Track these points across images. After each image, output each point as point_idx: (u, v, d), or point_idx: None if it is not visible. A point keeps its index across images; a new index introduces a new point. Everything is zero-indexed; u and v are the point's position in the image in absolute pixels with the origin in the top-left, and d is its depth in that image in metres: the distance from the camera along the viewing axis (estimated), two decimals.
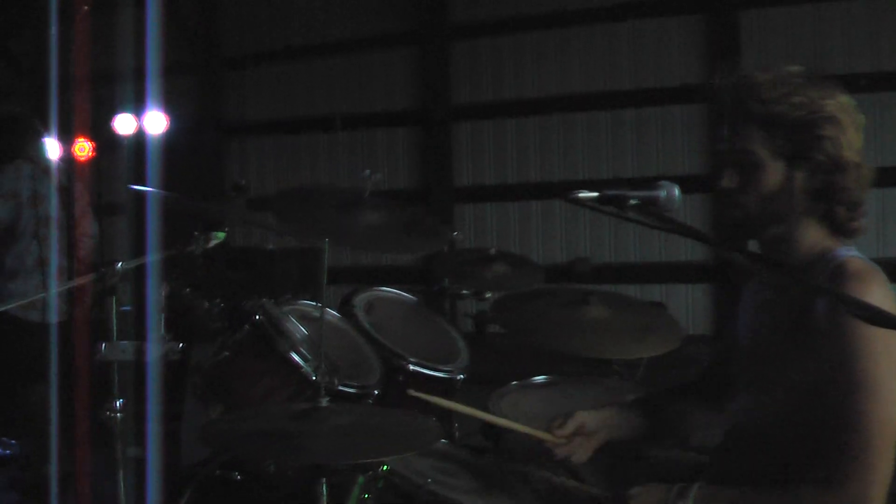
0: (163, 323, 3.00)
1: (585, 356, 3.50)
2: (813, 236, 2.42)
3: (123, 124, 8.02)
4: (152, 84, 8.29)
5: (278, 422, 2.34)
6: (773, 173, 2.37)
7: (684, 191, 6.15)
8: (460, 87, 8.31)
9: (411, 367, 3.36)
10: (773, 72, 2.41)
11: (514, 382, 3.62)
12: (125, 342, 2.94)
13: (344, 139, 8.45)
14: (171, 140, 8.14)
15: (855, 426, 2.20)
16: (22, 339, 5.33)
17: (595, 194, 2.23)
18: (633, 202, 2.21)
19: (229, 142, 8.81)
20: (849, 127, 2.37)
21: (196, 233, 2.96)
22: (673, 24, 7.71)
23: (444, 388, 3.49)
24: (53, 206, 5.33)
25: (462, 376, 3.51)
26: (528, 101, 8.09)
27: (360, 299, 3.60)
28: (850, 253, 2.36)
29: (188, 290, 3.06)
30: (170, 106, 8.33)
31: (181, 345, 2.96)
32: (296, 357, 2.85)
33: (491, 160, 8.11)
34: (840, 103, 2.37)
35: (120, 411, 2.95)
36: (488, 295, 3.83)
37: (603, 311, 3.52)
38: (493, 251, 3.85)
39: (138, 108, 8.21)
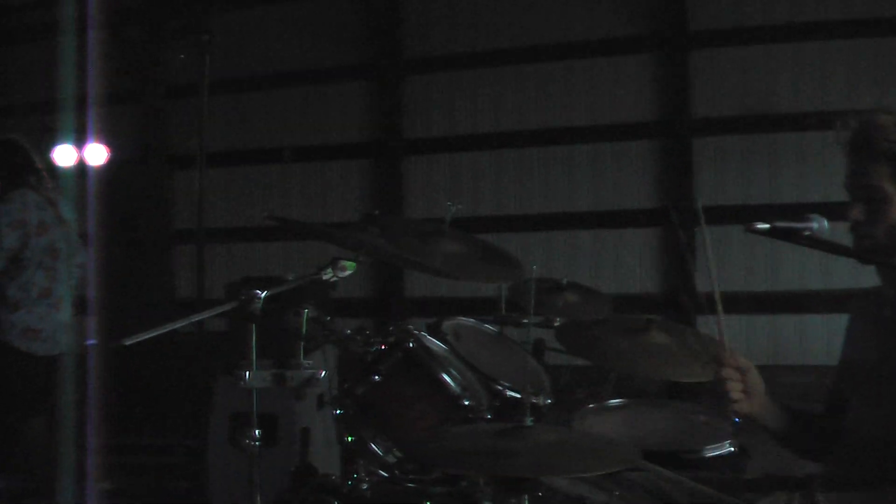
0: (302, 350, 3.03)
1: (649, 377, 3.62)
2: None
3: (63, 155, 7.82)
4: (93, 114, 8.14)
5: (485, 439, 2.41)
6: None
7: (638, 225, 6.42)
8: (414, 121, 8.40)
9: (508, 392, 3.44)
10: (893, 115, 2.65)
11: (592, 405, 3.75)
12: (266, 371, 2.95)
13: (297, 171, 8.44)
14: (113, 172, 8.02)
15: None
16: (24, 371, 5.21)
17: (768, 226, 2.46)
18: (806, 233, 2.44)
19: (175, 174, 8.70)
20: None
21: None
22: (627, 63, 7.95)
23: (535, 413, 3.57)
24: (59, 236, 5.24)
25: (549, 401, 3.61)
26: (483, 136, 8.23)
27: (447, 327, 3.67)
28: None
29: (328, 318, 3.09)
30: (112, 137, 8.20)
31: (323, 372, 2.98)
32: (450, 381, 2.91)
33: (444, 194, 8.20)
34: None
35: (258, 440, 2.95)
36: (557, 323, 3.96)
37: (664, 337, 3.65)
38: (564, 281, 3.98)
39: (79, 139, 8.03)
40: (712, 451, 3.34)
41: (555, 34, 8.07)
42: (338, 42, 8.49)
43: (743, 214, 7.55)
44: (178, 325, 3.07)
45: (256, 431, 2.95)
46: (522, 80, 8.17)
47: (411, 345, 2.94)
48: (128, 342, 3.02)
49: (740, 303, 7.57)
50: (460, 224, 3.69)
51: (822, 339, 7.25)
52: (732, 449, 3.42)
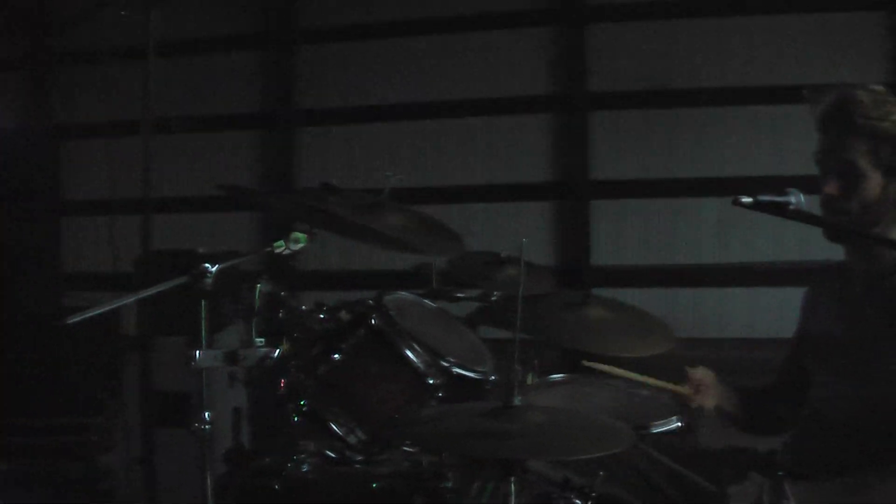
0: (255, 328, 2.88)
1: (591, 353, 3.60)
2: None
3: None
4: None
5: (472, 421, 2.34)
6: (873, 182, 2.62)
7: (534, 198, 6.43)
8: (307, 92, 8.21)
9: (455, 369, 3.36)
10: (871, 91, 2.67)
11: (534, 380, 3.71)
12: (216, 350, 2.81)
13: (185, 142, 8.17)
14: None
15: None
16: None
17: (752, 200, 2.46)
18: (791, 207, 2.45)
19: (60, 145, 8.33)
20: None
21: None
22: (522, 36, 7.89)
23: (479, 389, 3.51)
24: None
25: (494, 377, 3.55)
26: (378, 108, 8.08)
27: (389, 302, 3.56)
28: None
29: (283, 292, 2.94)
30: None
31: (277, 350, 2.85)
32: (415, 359, 2.82)
33: (338, 166, 8.04)
34: None
35: (209, 423, 2.81)
36: (494, 297, 3.88)
37: (601, 311, 3.63)
38: (504, 255, 3.91)
39: None
40: (659, 427, 3.32)
41: (452, 7, 7.95)
42: (229, 10, 8.23)
43: (639, 189, 7.67)
44: (123, 301, 2.90)
45: (206, 414, 2.81)
46: (418, 53, 8.05)
47: (374, 321, 2.82)
48: (70, 321, 2.85)
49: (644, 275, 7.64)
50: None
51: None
52: (679, 424, 3.41)
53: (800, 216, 2.60)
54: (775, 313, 7.54)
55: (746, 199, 2.51)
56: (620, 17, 7.75)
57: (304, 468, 3.25)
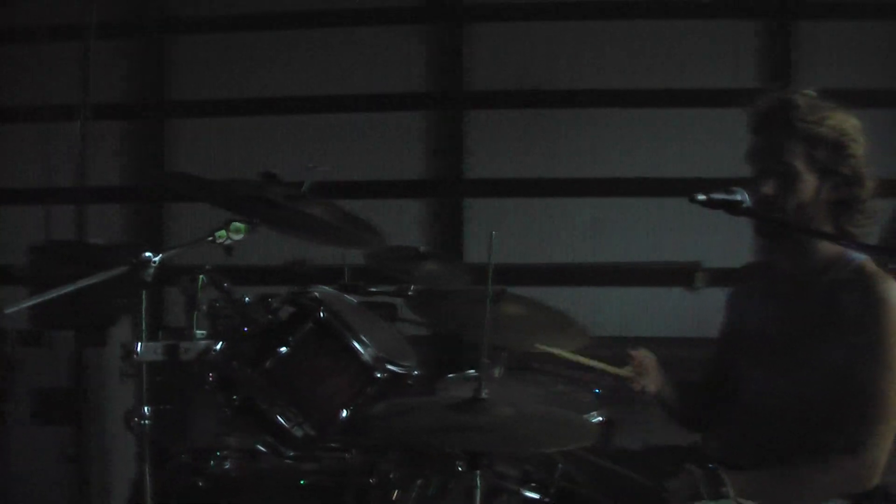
0: (196, 320, 2.78)
1: (507, 348, 3.63)
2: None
3: None
4: None
5: (441, 414, 2.32)
6: (808, 184, 2.72)
7: (410, 196, 6.45)
8: (179, 83, 8.01)
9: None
10: (806, 96, 2.77)
11: (452, 375, 3.70)
12: (157, 343, 2.71)
13: (53, 131, 7.86)
14: None
15: (875, 401, 2.57)
16: None
17: (705, 197, 2.53)
18: (744, 205, 2.53)
19: None
20: (862, 146, 2.77)
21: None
22: (401, 33, 7.88)
23: (402, 384, 3.48)
24: None
25: (417, 371, 3.53)
26: (254, 101, 7.94)
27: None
28: (862, 256, 2.76)
29: (226, 283, 2.85)
30: None
31: (220, 343, 2.76)
32: (363, 353, 2.78)
33: (214, 157, 7.88)
34: (857, 126, 2.78)
35: (149, 419, 2.71)
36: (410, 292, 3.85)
37: (515, 307, 3.66)
38: (422, 249, 3.88)
39: None
40: None
41: (331, 1, 7.88)
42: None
43: (514, 188, 7.73)
44: (57, 293, 2.77)
45: (146, 409, 2.70)
46: (295, 47, 7.94)
47: (323, 315, 2.76)
48: (7, 311, 2.71)
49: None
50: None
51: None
52: (600, 419, 3.45)
53: (751, 214, 2.66)
54: (648, 312, 7.73)
55: (701, 197, 2.55)
56: (499, 16, 7.80)
57: (227, 465, 3.17)
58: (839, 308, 2.70)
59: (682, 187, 7.53)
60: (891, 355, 2.60)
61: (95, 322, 4.32)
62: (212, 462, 3.15)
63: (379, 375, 2.81)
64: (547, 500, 2.57)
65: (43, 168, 5.17)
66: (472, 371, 3.76)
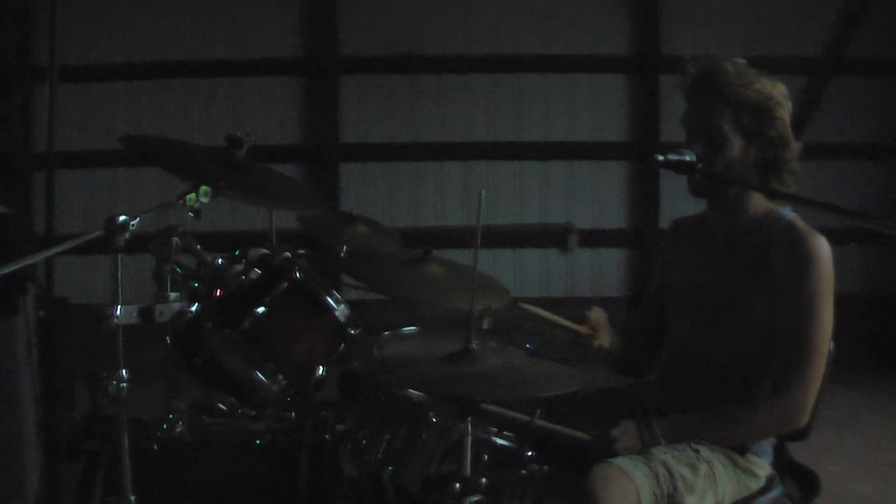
0: (169, 281, 2.79)
1: (434, 306, 3.73)
2: (758, 199, 3.00)
3: None
4: None
5: (434, 365, 2.43)
6: (735, 146, 2.93)
7: (285, 161, 6.50)
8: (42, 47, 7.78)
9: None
10: (734, 62, 2.98)
11: (387, 332, 3.78)
12: (131, 305, 2.72)
13: None
14: None
15: (802, 347, 2.80)
16: None
17: (662, 158, 2.70)
18: (700, 166, 2.72)
19: None
20: (788, 110, 2.99)
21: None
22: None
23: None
24: None
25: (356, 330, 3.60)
26: (120, 66, 7.79)
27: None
28: (791, 213, 2.98)
29: (199, 245, 2.86)
30: None
31: (195, 305, 2.79)
32: (337, 311, 2.86)
33: (100, 124, 7.69)
34: (783, 91, 3.01)
35: (126, 381, 2.72)
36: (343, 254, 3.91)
37: (439, 268, 3.78)
38: (354, 213, 3.94)
39: None
40: None
41: None
42: None
43: (385, 152, 7.84)
44: (36, 258, 2.75)
45: (123, 372, 2.71)
46: (164, 11, 7.81)
47: (298, 275, 2.83)
48: None
49: None
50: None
51: None
52: None
53: (706, 175, 2.81)
54: (517, 274, 7.97)
55: (659, 157, 2.70)
56: None
57: (178, 429, 3.19)
58: (769, 262, 2.87)
59: (547, 151, 7.90)
60: (817, 306, 2.79)
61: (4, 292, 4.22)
62: (164, 426, 3.16)
63: (353, 332, 2.89)
64: (523, 447, 2.68)
65: None
66: (409, 328, 3.82)
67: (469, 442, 2.51)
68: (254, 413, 3.17)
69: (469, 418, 2.51)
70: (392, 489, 2.89)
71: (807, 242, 2.83)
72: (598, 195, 8.11)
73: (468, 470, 2.51)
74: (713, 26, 7.78)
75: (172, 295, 2.81)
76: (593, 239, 8.10)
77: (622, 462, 2.70)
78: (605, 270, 8.16)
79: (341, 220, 3.92)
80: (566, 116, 8.01)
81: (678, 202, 7.18)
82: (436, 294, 3.58)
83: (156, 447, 3.12)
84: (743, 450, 2.90)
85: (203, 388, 3.13)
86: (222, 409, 3.17)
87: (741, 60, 3.00)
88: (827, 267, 2.81)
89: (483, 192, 2.50)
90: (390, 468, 2.77)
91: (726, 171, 2.93)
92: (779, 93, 2.96)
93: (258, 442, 3.19)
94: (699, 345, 3.04)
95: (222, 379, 3.02)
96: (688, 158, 2.81)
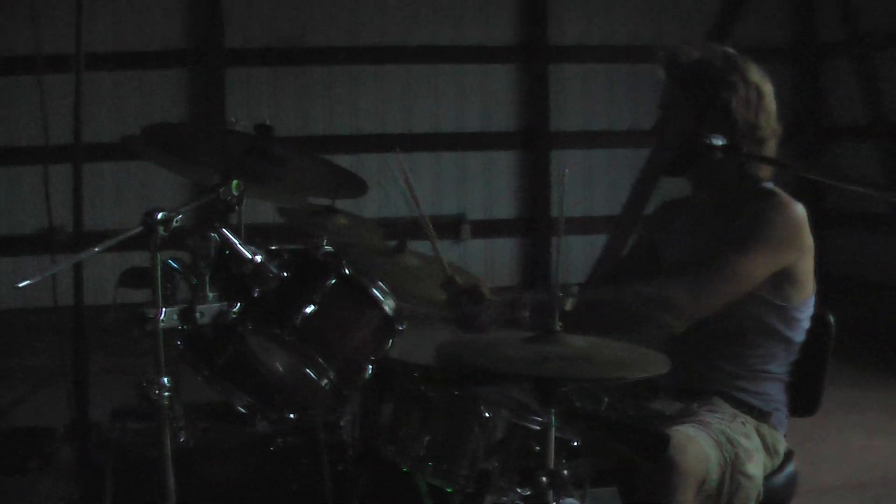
0: (209, 280, 2.63)
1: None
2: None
3: None
4: None
5: (518, 347, 2.39)
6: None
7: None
8: None
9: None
10: (726, 51, 3.05)
11: None
12: (172, 307, 2.57)
13: None
14: None
15: (719, 263, 2.81)
16: None
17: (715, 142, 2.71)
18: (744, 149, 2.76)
19: None
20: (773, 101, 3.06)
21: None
22: None
23: None
24: None
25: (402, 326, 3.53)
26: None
27: None
28: (771, 186, 3.05)
29: (239, 241, 2.70)
30: None
31: (237, 305, 2.64)
32: (385, 305, 2.77)
33: None
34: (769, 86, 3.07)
35: (168, 390, 2.57)
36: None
37: (415, 259, 3.76)
38: (334, 204, 3.83)
39: None
40: None
41: None
42: None
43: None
44: (72, 260, 2.57)
45: (165, 380, 2.55)
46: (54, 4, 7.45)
47: (347, 270, 2.72)
48: (21, 284, 2.48)
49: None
50: None
51: None
52: None
53: (749, 157, 2.83)
54: None
55: (714, 141, 2.68)
56: None
57: (182, 439, 3.04)
58: (741, 212, 2.91)
59: (435, 142, 7.91)
60: (752, 238, 2.82)
61: None
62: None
63: (400, 328, 2.80)
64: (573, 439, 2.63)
65: None
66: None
67: (553, 433, 2.45)
68: (273, 416, 3.05)
69: (552, 407, 2.44)
70: (426, 486, 2.81)
71: (783, 202, 2.85)
72: (490, 185, 8.14)
73: (552, 462, 2.45)
74: (599, 16, 7.91)
75: (211, 294, 2.66)
76: (486, 229, 8.13)
77: (688, 430, 2.70)
78: (498, 259, 8.21)
79: (322, 212, 3.81)
80: (456, 107, 7.99)
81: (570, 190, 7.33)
82: (409, 284, 3.51)
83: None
84: (765, 417, 2.90)
85: (221, 392, 2.98)
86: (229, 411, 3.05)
87: (730, 49, 3.07)
88: (783, 221, 2.83)
89: (567, 170, 2.46)
90: (430, 464, 2.68)
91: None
92: (767, 86, 3.02)
93: (272, 449, 3.09)
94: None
95: (252, 380, 2.89)
96: (719, 142, 2.81)
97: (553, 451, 2.47)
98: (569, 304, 2.52)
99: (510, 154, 8.16)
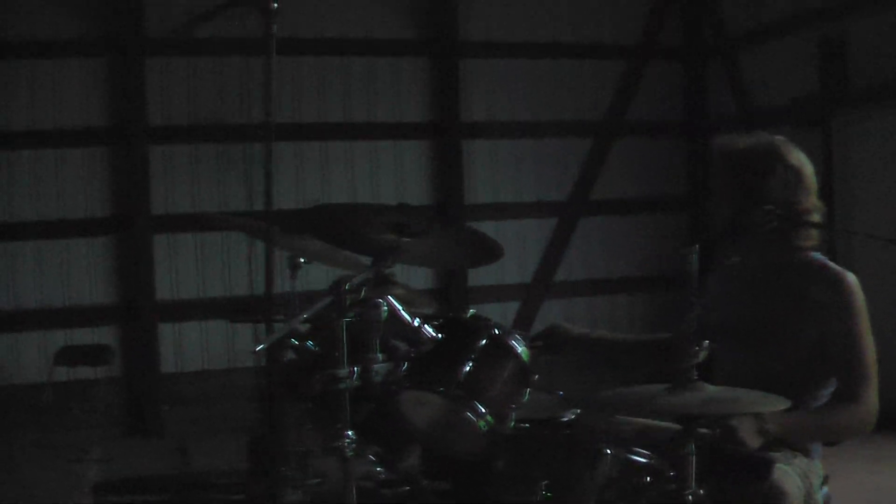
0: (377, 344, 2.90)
1: None
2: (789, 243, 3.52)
3: None
4: None
5: (660, 397, 2.78)
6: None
7: (90, 234, 6.63)
8: None
9: None
10: (778, 139, 3.51)
11: None
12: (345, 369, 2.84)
13: None
14: None
15: (859, 360, 3.32)
16: None
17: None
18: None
19: None
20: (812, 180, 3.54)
21: None
22: (77, 65, 7.70)
23: None
24: None
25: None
26: None
27: None
28: (820, 256, 3.52)
29: (402, 308, 2.97)
30: None
31: (405, 365, 2.92)
32: (525, 359, 3.07)
33: None
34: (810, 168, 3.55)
35: (353, 442, 2.83)
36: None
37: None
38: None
39: None
40: None
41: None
42: None
43: (194, 223, 7.78)
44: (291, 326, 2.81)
45: (349, 432, 2.82)
46: None
47: (497, 331, 3.02)
48: (257, 349, 2.72)
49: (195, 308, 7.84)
50: None
51: None
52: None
53: (785, 219, 3.29)
54: None
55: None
56: (176, 51, 7.87)
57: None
58: (810, 296, 3.35)
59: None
60: (860, 327, 3.30)
61: None
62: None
63: (535, 377, 3.10)
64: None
65: None
66: None
67: (694, 462, 2.79)
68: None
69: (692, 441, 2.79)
70: None
71: (844, 279, 3.33)
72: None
73: (692, 483, 2.78)
74: (504, 93, 8.41)
75: (378, 356, 2.95)
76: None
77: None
78: None
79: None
80: (371, 181, 8.30)
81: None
82: None
83: None
84: (807, 452, 3.32)
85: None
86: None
87: (781, 138, 3.49)
88: (862, 297, 3.30)
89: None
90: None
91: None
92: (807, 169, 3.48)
93: None
94: (746, 371, 3.42)
95: (388, 432, 3.16)
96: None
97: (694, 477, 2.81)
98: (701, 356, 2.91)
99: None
